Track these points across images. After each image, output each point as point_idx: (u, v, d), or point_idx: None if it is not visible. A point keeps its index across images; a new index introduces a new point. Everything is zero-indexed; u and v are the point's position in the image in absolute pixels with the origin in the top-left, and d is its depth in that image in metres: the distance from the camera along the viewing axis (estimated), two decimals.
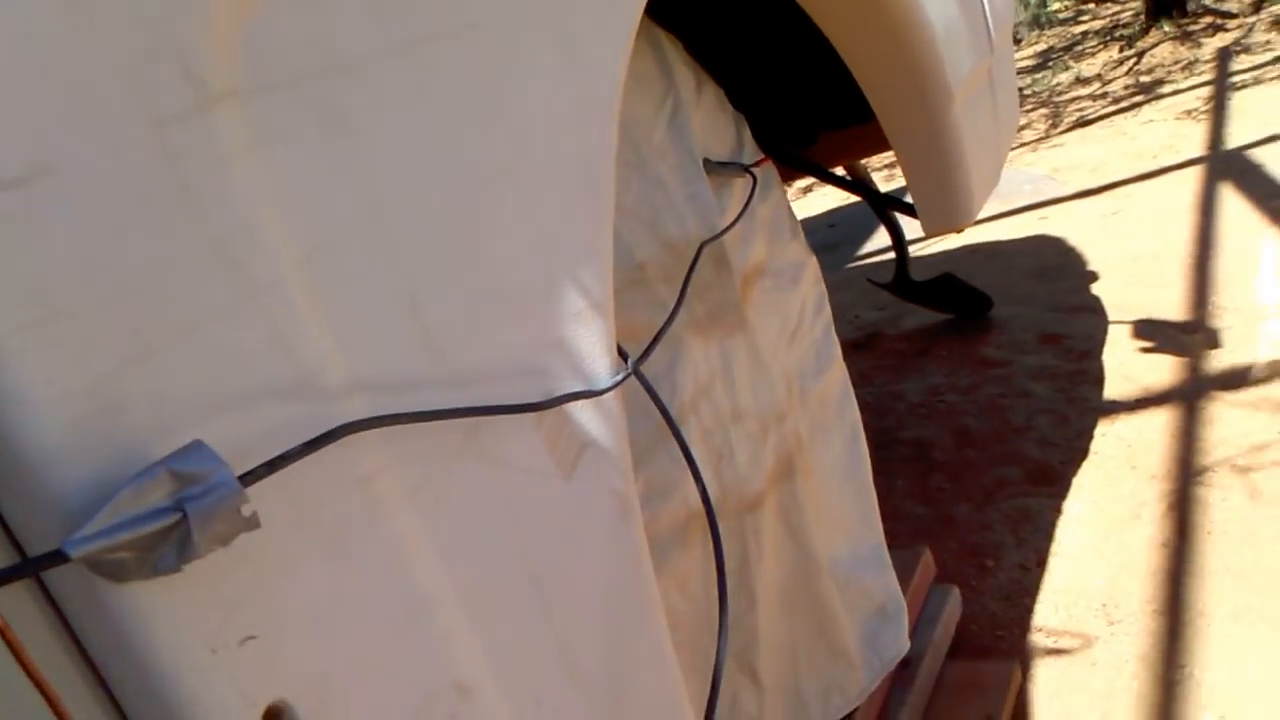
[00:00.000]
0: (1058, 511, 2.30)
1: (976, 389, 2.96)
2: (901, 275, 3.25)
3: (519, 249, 0.75)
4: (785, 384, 1.62)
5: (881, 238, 4.54)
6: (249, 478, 0.47)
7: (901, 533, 2.35)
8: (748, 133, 1.72)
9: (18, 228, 0.44)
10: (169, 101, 0.52)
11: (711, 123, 1.63)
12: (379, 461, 0.59)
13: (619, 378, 0.81)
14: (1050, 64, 7.57)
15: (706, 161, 1.55)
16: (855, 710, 1.59)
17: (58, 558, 0.41)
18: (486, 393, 0.70)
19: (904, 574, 1.87)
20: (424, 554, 0.61)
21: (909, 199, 1.96)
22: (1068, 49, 8.10)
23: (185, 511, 0.44)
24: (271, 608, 0.51)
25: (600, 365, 0.81)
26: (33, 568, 0.41)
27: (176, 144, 0.52)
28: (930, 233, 1.83)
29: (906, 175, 1.79)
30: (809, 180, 5.70)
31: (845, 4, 1.51)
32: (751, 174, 1.57)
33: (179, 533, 0.44)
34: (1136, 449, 2.44)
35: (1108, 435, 2.53)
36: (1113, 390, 2.71)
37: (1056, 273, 3.67)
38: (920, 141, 1.71)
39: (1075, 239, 3.92)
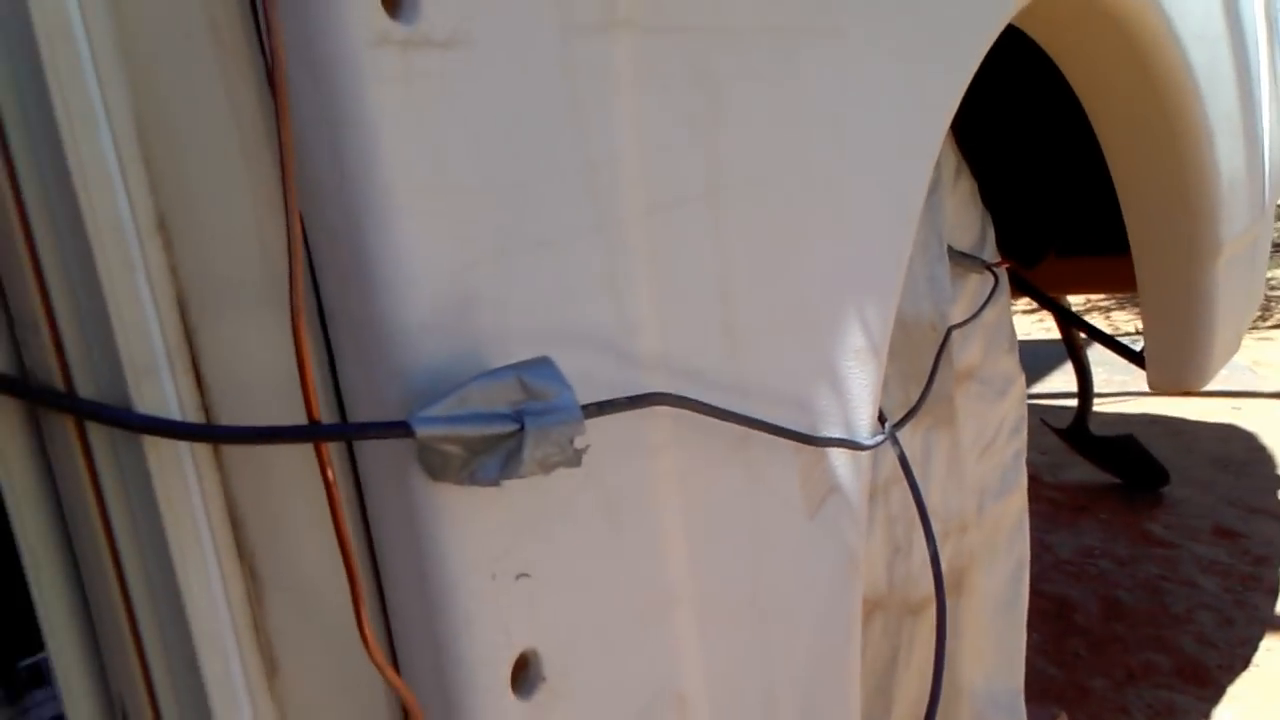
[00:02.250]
0: (1205, 717, 2.10)
1: (1135, 563, 2.76)
2: (1080, 425, 3.08)
3: (825, 266, 0.71)
4: (973, 496, 1.53)
5: (1056, 382, 4.36)
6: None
7: (1029, 690, 2.19)
8: (992, 232, 1.66)
9: (436, 85, 0.42)
10: (582, 12, 0.50)
11: (962, 212, 1.58)
12: (665, 437, 0.56)
13: (880, 438, 0.76)
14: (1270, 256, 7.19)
15: (950, 249, 1.49)
16: None
17: (401, 429, 0.38)
18: (761, 404, 0.66)
19: None
20: (678, 545, 0.57)
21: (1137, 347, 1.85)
22: None
23: (524, 425, 0.41)
24: (546, 551, 0.48)
25: (863, 414, 0.76)
26: (373, 432, 0.38)
27: (578, 56, 0.50)
28: (1156, 388, 1.72)
29: (1147, 322, 1.69)
30: None
31: (1141, 132, 1.44)
32: (994, 272, 1.50)
33: (510, 445, 0.41)
34: None
35: (1274, 651, 2.32)
36: None
37: (1241, 468, 3.42)
38: (1175, 291, 1.61)
39: (1269, 438, 3.65)
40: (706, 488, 0.60)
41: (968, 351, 1.58)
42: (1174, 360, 1.68)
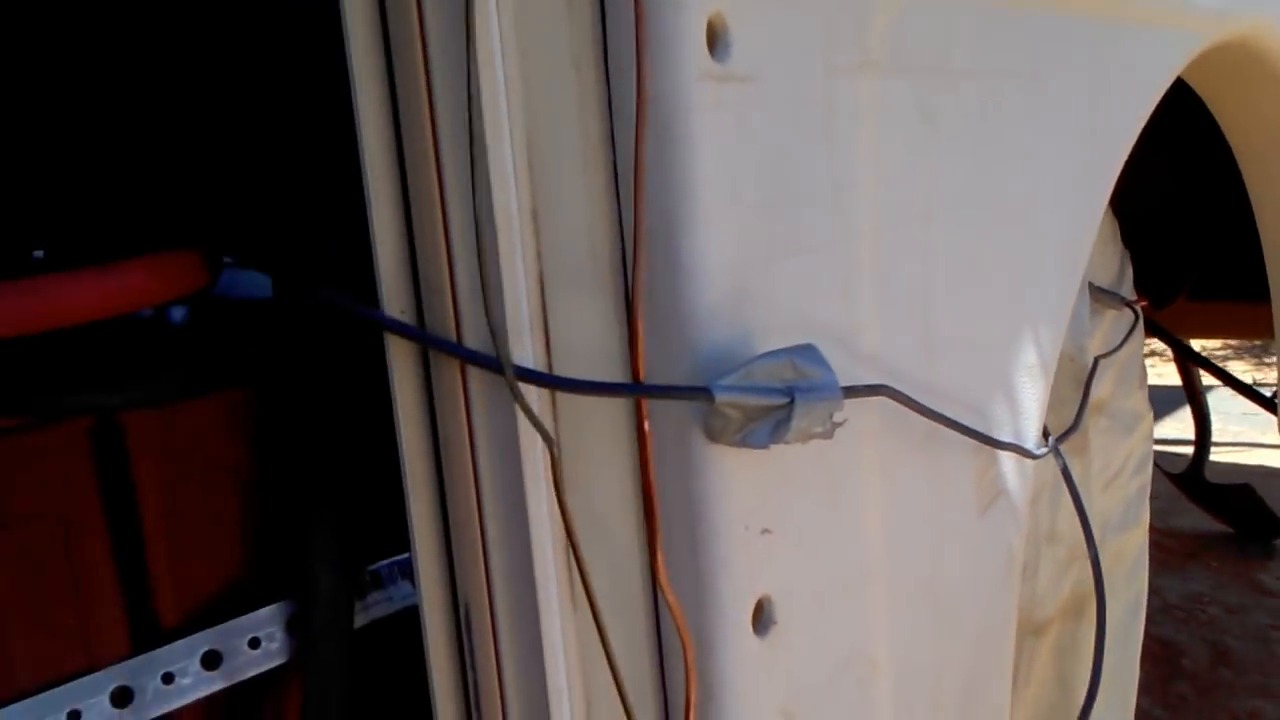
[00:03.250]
0: None
1: (1245, 611, 2.72)
2: (1196, 471, 3.05)
3: (1010, 285, 0.77)
4: (1097, 526, 1.56)
5: (1168, 428, 4.27)
6: None
7: None
8: (1130, 270, 1.69)
9: (735, 113, 0.51)
10: (842, 54, 0.58)
11: (1103, 249, 1.61)
12: (875, 426, 0.63)
13: (1047, 449, 0.82)
14: None
15: (1090, 284, 1.53)
16: None
17: (704, 393, 0.47)
18: (946, 406, 0.72)
19: None
20: (876, 524, 0.65)
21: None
22: None
23: (794, 399, 0.49)
24: (784, 513, 0.55)
25: (1031, 425, 0.82)
26: (682, 393, 0.47)
27: (836, 91, 0.58)
28: None
29: None
30: None
31: None
32: (1134, 309, 1.54)
33: (779, 415, 0.49)
34: None
35: None
36: None
37: None
38: None
39: None
40: (900, 476, 0.67)
41: (1099, 386, 1.61)
42: None
